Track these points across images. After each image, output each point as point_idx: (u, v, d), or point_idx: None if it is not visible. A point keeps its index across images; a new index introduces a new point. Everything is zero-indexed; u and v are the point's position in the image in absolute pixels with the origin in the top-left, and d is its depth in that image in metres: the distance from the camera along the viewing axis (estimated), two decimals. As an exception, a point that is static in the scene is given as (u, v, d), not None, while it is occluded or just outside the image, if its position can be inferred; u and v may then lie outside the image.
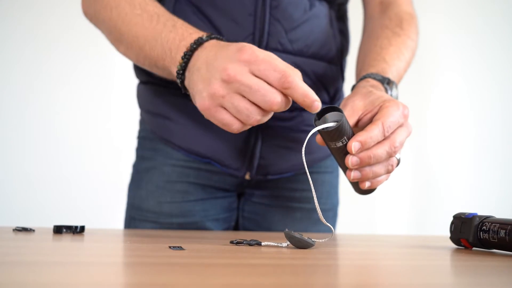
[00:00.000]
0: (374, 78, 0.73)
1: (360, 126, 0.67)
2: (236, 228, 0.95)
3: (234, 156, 0.86)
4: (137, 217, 0.87)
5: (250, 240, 0.60)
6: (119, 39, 0.75)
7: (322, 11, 0.85)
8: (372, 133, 0.61)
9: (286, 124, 0.87)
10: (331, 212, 0.96)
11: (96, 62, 1.88)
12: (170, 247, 0.53)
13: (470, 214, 0.65)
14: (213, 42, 0.64)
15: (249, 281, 0.37)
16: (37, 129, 1.85)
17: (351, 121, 0.66)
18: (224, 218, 0.91)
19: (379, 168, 0.65)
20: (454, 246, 0.68)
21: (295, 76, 0.59)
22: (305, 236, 0.59)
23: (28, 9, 1.85)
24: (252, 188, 0.92)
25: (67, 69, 1.88)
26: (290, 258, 0.50)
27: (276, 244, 0.60)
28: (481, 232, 0.63)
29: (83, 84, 1.90)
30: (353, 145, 0.60)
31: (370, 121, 0.65)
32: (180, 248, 0.53)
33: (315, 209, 0.93)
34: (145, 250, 0.51)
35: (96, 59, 1.86)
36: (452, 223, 0.68)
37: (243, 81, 0.58)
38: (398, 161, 0.68)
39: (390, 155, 0.64)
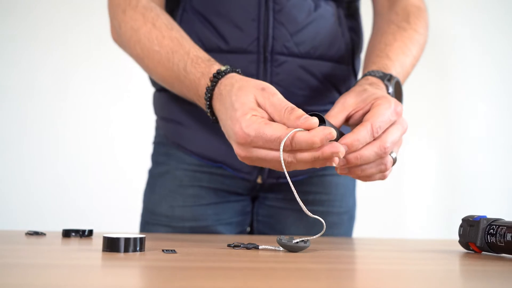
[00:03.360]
0: (374, 76, 0.73)
1: (351, 123, 0.67)
2: (251, 231, 0.95)
3: (245, 160, 0.86)
4: (151, 221, 0.89)
5: (248, 244, 0.60)
6: (150, 73, 0.79)
7: (328, 11, 0.85)
8: (359, 135, 0.61)
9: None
10: (347, 215, 0.95)
11: (114, 68, 1.92)
12: (163, 250, 0.54)
13: (478, 216, 0.63)
14: (217, 92, 0.66)
15: (225, 284, 0.37)
16: (51, 134, 1.90)
17: (340, 117, 0.66)
18: (237, 221, 0.91)
19: (368, 167, 0.64)
20: (464, 250, 0.66)
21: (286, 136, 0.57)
22: (303, 238, 0.59)
23: (43, 13, 1.91)
24: (265, 192, 0.92)
25: (84, 74, 1.92)
26: (282, 262, 0.50)
27: (273, 248, 0.60)
28: (489, 236, 0.60)
29: (99, 90, 1.94)
30: None
31: (361, 118, 0.65)
32: (173, 251, 0.53)
33: (329, 212, 0.92)
34: (137, 254, 0.52)
35: (114, 65, 1.90)
36: (460, 226, 0.65)
37: (254, 157, 0.61)
38: (394, 160, 0.67)
39: (380, 156, 0.63)
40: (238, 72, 0.67)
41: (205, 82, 0.68)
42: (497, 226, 0.60)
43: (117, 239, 0.50)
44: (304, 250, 0.59)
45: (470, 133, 2.15)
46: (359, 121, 0.65)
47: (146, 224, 0.90)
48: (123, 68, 1.84)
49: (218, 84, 0.66)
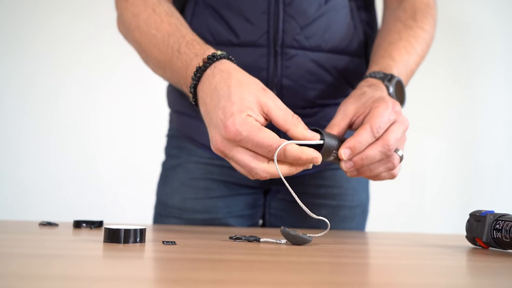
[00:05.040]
0: (375, 77, 0.74)
1: (354, 128, 0.69)
2: (264, 224, 0.96)
3: (255, 153, 0.87)
4: (163, 213, 0.91)
5: (249, 236, 0.60)
6: (146, 60, 0.79)
7: (340, 3, 0.84)
8: (361, 137, 0.63)
9: (308, 120, 0.86)
10: (359, 209, 0.94)
11: (128, 63, 1.93)
12: (163, 242, 0.55)
13: (485, 212, 0.62)
14: (209, 74, 0.64)
15: (209, 276, 0.37)
16: (63, 129, 1.94)
17: (343, 125, 0.68)
18: (249, 214, 0.92)
19: (376, 166, 0.66)
20: (471, 245, 0.65)
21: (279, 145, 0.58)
22: (305, 232, 0.59)
23: (59, 16, 1.95)
24: (277, 185, 0.92)
25: (98, 69, 1.95)
26: (277, 255, 0.50)
27: (274, 241, 0.60)
28: (495, 231, 0.59)
29: (113, 83, 1.96)
30: (343, 152, 0.62)
31: (363, 122, 0.66)
32: (173, 243, 0.54)
33: (340, 206, 0.92)
34: (137, 245, 0.53)
35: (129, 60, 1.91)
36: (468, 221, 0.64)
37: (230, 155, 0.61)
38: (401, 157, 0.69)
39: (385, 154, 0.65)
40: (232, 61, 0.67)
41: (197, 62, 0.66)
42: (503, 222, 0.59)
43: (117, 230, 0.52)
44: (307, 244, 0.59)
45: (491, 129, 2.09)
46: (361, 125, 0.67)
47: (159, 216, 0.92)
48: (138, 62, 1.87)
49: (212, 67, 0.65)
